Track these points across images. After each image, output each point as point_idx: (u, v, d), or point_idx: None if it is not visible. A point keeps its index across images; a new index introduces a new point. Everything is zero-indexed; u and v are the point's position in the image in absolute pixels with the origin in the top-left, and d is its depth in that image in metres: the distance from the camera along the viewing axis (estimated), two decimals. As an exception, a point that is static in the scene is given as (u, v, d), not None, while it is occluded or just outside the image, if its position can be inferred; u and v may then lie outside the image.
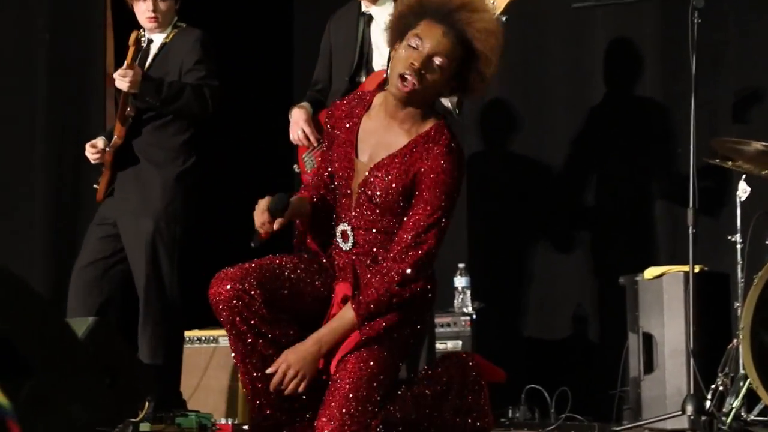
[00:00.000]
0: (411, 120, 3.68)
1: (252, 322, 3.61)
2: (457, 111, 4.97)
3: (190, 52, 5.16)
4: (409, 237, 3.59)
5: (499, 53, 3.65)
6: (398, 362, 3.70)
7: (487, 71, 3.66)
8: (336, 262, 3.75)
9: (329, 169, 3.83)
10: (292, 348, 3.58)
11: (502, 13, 4.91)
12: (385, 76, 3.81)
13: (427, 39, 3.56)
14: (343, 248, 3.73)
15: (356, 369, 3.59)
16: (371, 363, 3.61)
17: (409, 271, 3.57)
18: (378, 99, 3.76)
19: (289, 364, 3.58)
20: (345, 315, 3.62)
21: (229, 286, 3.58)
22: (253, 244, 3.58)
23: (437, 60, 3.57)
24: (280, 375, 3.58)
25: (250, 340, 3.64)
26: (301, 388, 3.56)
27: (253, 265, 3.68)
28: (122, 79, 5.00)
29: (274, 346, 3.65)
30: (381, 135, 3.72)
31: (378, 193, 3.64)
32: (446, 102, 4.83)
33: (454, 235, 5.99)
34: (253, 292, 3.59)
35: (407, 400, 3.63)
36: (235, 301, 3.58)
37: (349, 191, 3.71)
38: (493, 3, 4.92)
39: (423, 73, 3.57)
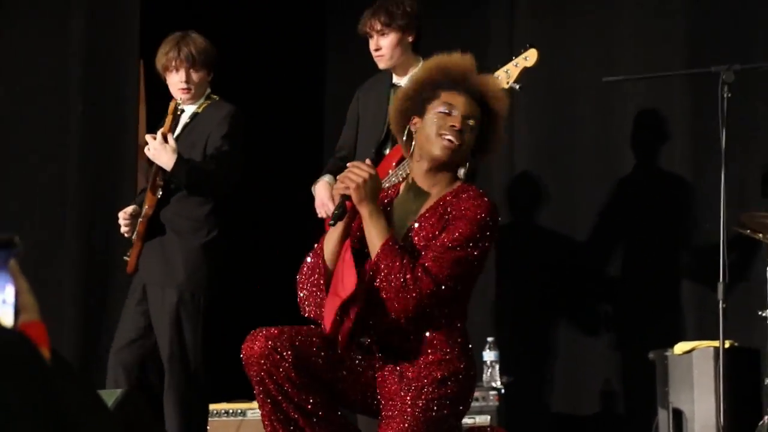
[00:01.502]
0: (440, 185, 3.80)
1: (279, 381, 3.61)
2: (468, 181, 4.98)
3: (219, 126, 5.18)
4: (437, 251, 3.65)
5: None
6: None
7: (502, 130, 3.86)
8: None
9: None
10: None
11: (516, 81, 4.95)
12: (410, 150, 3.85)
13: (456, 104, 3.74)
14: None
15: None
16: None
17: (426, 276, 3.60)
18: (404, 186, 3.89)
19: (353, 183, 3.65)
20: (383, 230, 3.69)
21: (261, 344, 3.61)
22: (332, 222, 3.71)
23: (470, 122, 3.74)
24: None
25: (277, 399, 3.63)
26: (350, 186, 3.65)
27: (290, 328, 3.69)
28: (153, 150, 5.03)
29: (299, 411, 3.64)
30: (408, 205, 3.82)
31: (419, 246, 3.69)
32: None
33: (482, 308, 6.01)
34: (284, 353, 3.61)
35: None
36: (264, 360, 3.59)
37: None
38: (508, 72, 4.94)
39: (463, 133, 3.72)
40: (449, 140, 3.72)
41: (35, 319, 1.57)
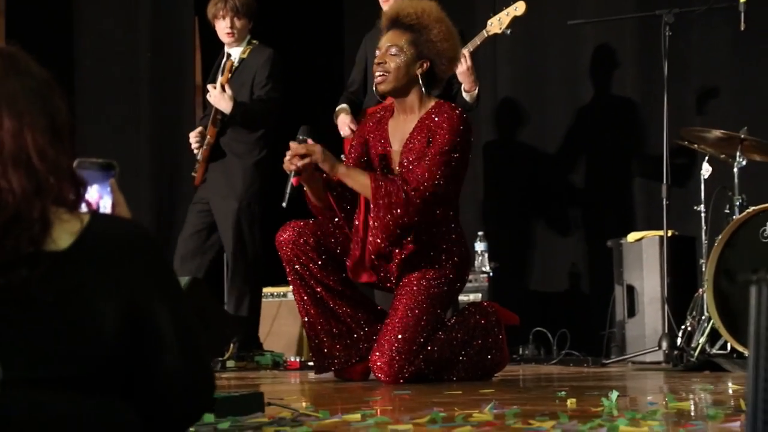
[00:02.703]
0: (415, 106, 3.78)
1: (304, 262, 3.69)
2: (476, 105, 5.03)
3: (262, 67, 5.24)
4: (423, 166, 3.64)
5: (449, 32, 3.76)
6: (438, 312, 3.75)
7: (441, 36, 3.74)
8: None
9: (364, 159, 3.90)
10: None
11: (507, 27, 4.95)
12: None
13: (380, 44, 3.78)
14: None
15: (404, 316, 3.66)
16: (416, 311, 3.67)
17: (421, 186, 3.59)
18: (395, 110, 3.86)
19: (315, 148, 3.60)
20: (363, 176, 3.65)
21: (289, 231, 3.71)
22: (284, 203, 3.59)
23: (392, 49, 3.72)
24: (300, 147, 3.60)
25: (304, 276, 3.71)
26: (297, 164, 3.57)
27: (314, 221, 3.78)
28: (215, 97, 5.10)
29: (321, 285, 3.72)
30: (401, 127, 3.82)
31: (413, 159, 3.70)
32: (466, 97, 4.89)
33: (474, 208, 6.06)
34: (309, 239, 3.69)
35: (443, 342, 3.68)
36: (292, 244, 3.69)
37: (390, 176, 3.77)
38: (500, 20, 4.96)
39: (385, 63, 3.71)
40: (376, 75, 3.77)
41: None
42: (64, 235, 1.36)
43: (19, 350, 1.23)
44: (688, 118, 5.44)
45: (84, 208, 1.44)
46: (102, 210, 1.54)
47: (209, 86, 5.19)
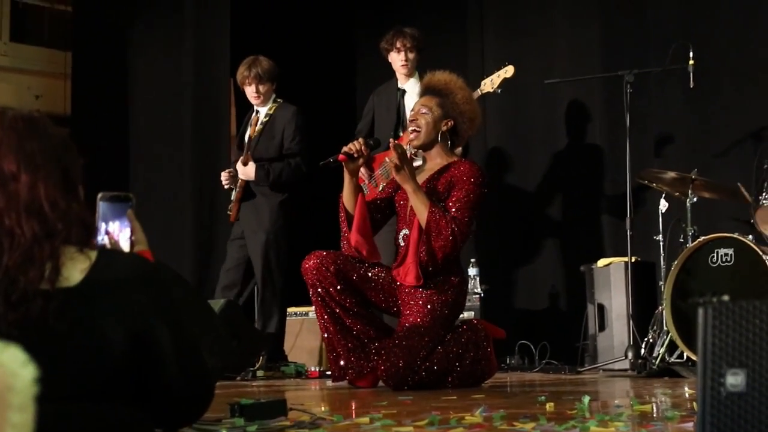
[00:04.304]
0: (439, 158, 3.81)
1: (326, 286, 3.67)
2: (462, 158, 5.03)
3: (289, 122, 5.21)
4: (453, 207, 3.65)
5: (470, 98, 3.83)
6: (441, 332, 3.72)
7: (464, 101, 3.80)
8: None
9: (381, 199, 3.91)
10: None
11: (498, 87, 4.96)
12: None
13: (415, 106, 3.84)
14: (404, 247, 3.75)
15: (411, 334, 3.63)
16: (421, 329, 3.64)
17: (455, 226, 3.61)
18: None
19: (399, 151, 3.59)
20: (424, 198, 3.63)
21: (313, 260, 3.69)
22: (322, 163, 3.60)
23: (423, 110, 3.75)
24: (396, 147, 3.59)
25: (325, 299, 3.68)
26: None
27: (335, 251, 3.76)
28: (240, 170, 5.09)
29: (340, 307, 3.70)
30: (424, 175, 3.82)
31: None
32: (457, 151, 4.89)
33: (469, 240, 6.03)
34: (330, 267, 3.66)
35: (441, 355, 3.65)
36: (315, 271, 3.67)
37: (406, 207, 3.77)
38: (492, 81, 4.97)
39: (418, 120, 3.74)
40: (410, 131, 3.80)
41: (146, 249, 1.59)
42: (74, 272, 1.38)
43: (43, 372, 1.23)
44: (647, 160, 5.42)
45: (103, 238, 1.49)
46: (122, 236, 1.56)
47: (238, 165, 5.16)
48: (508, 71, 4.92)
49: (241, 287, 5.20)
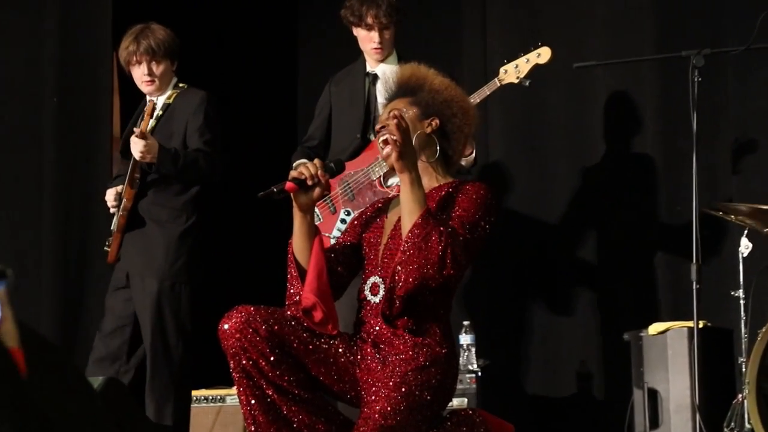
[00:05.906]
0: (424, 176, 3.79)
1: (254, 357, 3.64)
2: (472, 167, 5.04)
3: (195, 114, 5.18)
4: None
5: (453, 87, 3.89)
6: (419, 422, 3.68)
7: (438, 96, 3.85)
8: (363, 323, 3.78)
9: (345, 245, 3.92)
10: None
11: (526, 77, 4.96)
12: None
13: (381, 116, 3.89)
14: (372, 302, 3.77)
15: (380, 420, 3.59)
16: (392, 424, 3.60)
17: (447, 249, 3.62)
18: None
19: (403, 127, 3.63)
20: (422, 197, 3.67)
21: (236, 319, 3.64)
22: (261, 194, 3.62)
23: (393, 113, 3.73)
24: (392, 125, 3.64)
25: (252, 374, 3.65)
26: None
27: (267, 307, 3.73)
28: (136, 147, 5.01)
29: (273, 387, 3.66)
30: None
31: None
32: (463, 162, 4.88)
33: (458, 292, 6.02)
34: (259, 328, 3.65)
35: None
36: (238, 334, 3.62)
37: (377, 248, 3.80)
38: (517, 67, 4.97)
39: (387, 127, 3.74)
40: (379, 143, 3.80)
41: (14, 347, 1.62)
42: None
43: None
44: (722, 180, 5.51)
45: None
46: None
47: (133, 138, 5.09)
48: (543, 55, 4.95)
49: (127, 358, 5.14)
